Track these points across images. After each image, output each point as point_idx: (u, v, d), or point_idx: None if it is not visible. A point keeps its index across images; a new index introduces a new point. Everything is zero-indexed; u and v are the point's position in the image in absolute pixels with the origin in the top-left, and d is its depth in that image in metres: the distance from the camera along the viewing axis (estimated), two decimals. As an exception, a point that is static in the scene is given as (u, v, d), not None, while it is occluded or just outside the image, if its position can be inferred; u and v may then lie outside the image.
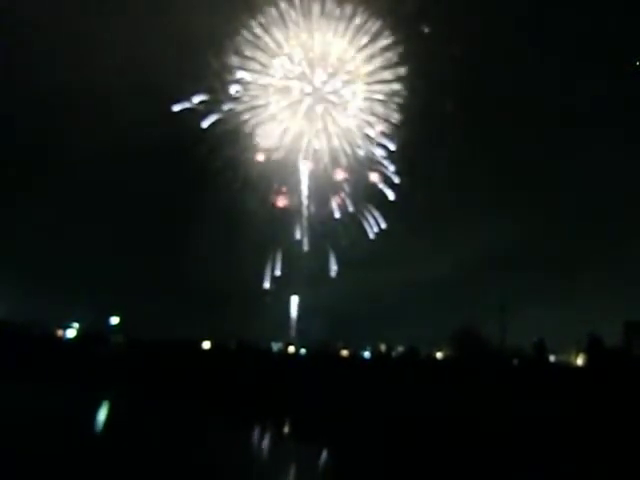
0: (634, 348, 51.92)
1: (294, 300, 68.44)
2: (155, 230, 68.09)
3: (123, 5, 63.55)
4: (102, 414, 34.11)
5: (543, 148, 68.41)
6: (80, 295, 65.82)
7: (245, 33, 66.05)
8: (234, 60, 66.23)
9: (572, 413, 30.70)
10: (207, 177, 63.88)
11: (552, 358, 58.23)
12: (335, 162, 68.04)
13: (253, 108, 68.04)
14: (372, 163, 67.99)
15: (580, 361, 57.17)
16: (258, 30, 66.48)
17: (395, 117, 67.63)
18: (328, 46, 68.36)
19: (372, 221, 67.40)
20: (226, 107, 66.80)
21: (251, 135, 67.44)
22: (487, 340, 54.17)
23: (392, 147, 67.50)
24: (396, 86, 67.38)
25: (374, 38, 67.05)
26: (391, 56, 67.06)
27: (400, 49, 66.27)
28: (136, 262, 68.45)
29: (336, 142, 68.37)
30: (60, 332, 67.19)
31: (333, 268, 67.19)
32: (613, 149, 63.69)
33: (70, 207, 68.72)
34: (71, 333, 66.80)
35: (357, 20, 66.75)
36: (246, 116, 67.57)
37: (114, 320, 65.84)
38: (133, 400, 39.20)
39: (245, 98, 67.79)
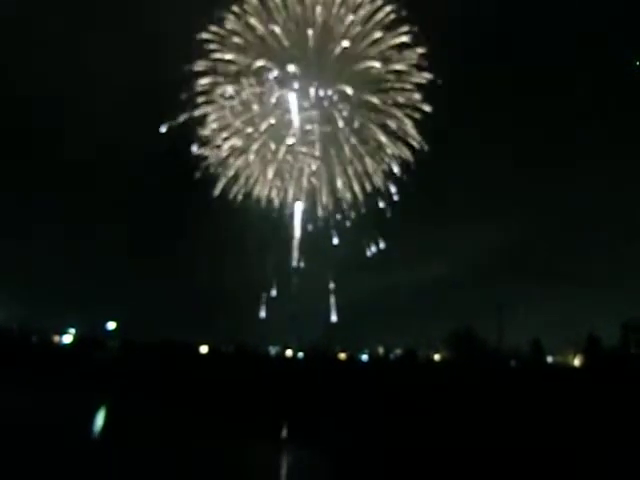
0: (632, 349, 51.96)
1: (291, 303, 68.15)
2: (151, 235, 68.11)
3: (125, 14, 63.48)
4: (99, 420, 33.90)
5: (544, 150, 68.76)
6: (77, 300, 65.81)
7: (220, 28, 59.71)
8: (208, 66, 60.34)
9: (570, 414, 30.65)
10: (207, 180, 64.02)
11: (549, 359, 58.29)
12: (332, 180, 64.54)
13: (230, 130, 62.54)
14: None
15: (577, 362, 57.21)
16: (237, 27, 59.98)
17: (411, 134, 61.43)
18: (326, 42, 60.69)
19: (371, 240, 63.62)
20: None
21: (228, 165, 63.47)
22: (484, 341, 54.21)
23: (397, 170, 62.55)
24: (416, 95, 61.09)
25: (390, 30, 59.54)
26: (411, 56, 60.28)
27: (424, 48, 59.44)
28: (132, 267, 68.36)
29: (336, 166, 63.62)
30: (57, 338, 66.99)
31: (331, 286, 65.30)
32: (614, 150, 63.97)
33: (68, 212, 68.69)
34: (67, 339, 66.60)
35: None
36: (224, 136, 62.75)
37: (111, 325, 65.70)
38: (130, 405, 39.01)
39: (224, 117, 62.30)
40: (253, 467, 22.59)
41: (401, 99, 62.41)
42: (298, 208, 64.69)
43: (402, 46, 60.63)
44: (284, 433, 31.93)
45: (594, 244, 65.41)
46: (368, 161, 63.82)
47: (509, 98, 64.59)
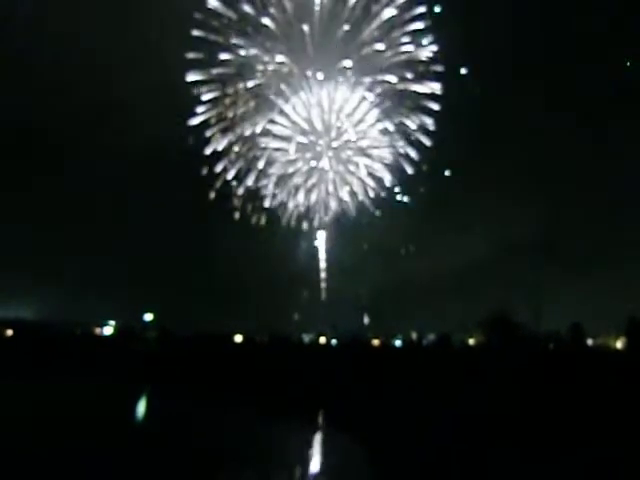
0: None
1: (324, 290, 68.55)
2: (186, 228, 69.27)
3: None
4: (140, 408, 35.01)
5: (573, 135, 66.47)
6: (116, 293, 67.91)
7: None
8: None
9: (612, 397, 29.84)
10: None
11: (590, 342, 56.73)
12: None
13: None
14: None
15: (620, 344, 55.54)
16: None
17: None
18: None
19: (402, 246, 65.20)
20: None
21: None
22: (521, 325, 53.02)
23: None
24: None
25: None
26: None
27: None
28: (169, 260, 69.92)
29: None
30: (98, 330, 69.46)
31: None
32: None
33: (105, 210, 70.71)
34: (108, 330, 68.94)
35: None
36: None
37: (148, 317, 67.63)
38: (169, 393, 40.12)
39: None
40: (290, 450, 22.97)
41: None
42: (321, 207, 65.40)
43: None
44: (320, 418, 32.24)
45: (635, 225, 63.30)
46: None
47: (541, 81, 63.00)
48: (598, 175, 65.47)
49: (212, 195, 64.88)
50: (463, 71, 62.92)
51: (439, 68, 63.16)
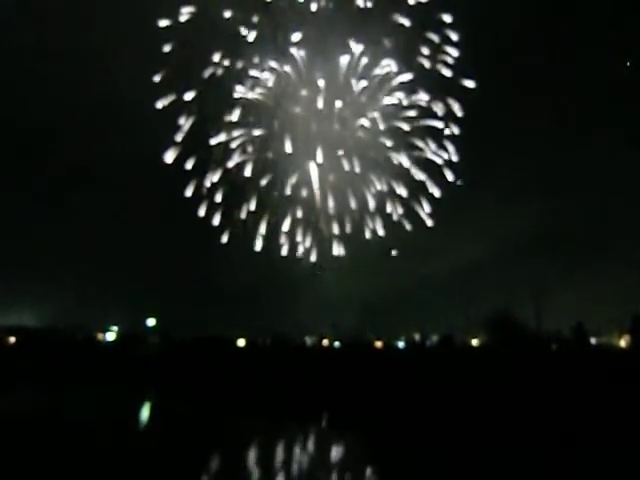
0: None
1: (326, 292, 68.15)
2: (188, 233, 69.17)
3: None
4: (144, 413, 34.95)
5: (573, 134, 66.60)
6: (118, 299, 67.85)
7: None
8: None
9: (617, 397, 29.72)
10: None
11: (593, 341, 56.58)
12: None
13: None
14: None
15: (623, 343, 55.40)
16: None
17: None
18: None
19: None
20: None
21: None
22: (523, 325, 52.91)
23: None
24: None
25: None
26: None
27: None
28: (170, 265, 69.80)
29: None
30: (101, 335, 69.44)
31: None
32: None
33: (106, 214, 70.66)
34: (111, 336, 68.92)
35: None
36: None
37: (150, 322, 67.59)
38: (173, 398, 40.07)
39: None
40: (294, 451, 22.89)
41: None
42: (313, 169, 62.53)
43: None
44: (324, 420, 32.15)
45: (632, 223, 63.36)
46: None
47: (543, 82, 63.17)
48: (599, 175, 65.50)
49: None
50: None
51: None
